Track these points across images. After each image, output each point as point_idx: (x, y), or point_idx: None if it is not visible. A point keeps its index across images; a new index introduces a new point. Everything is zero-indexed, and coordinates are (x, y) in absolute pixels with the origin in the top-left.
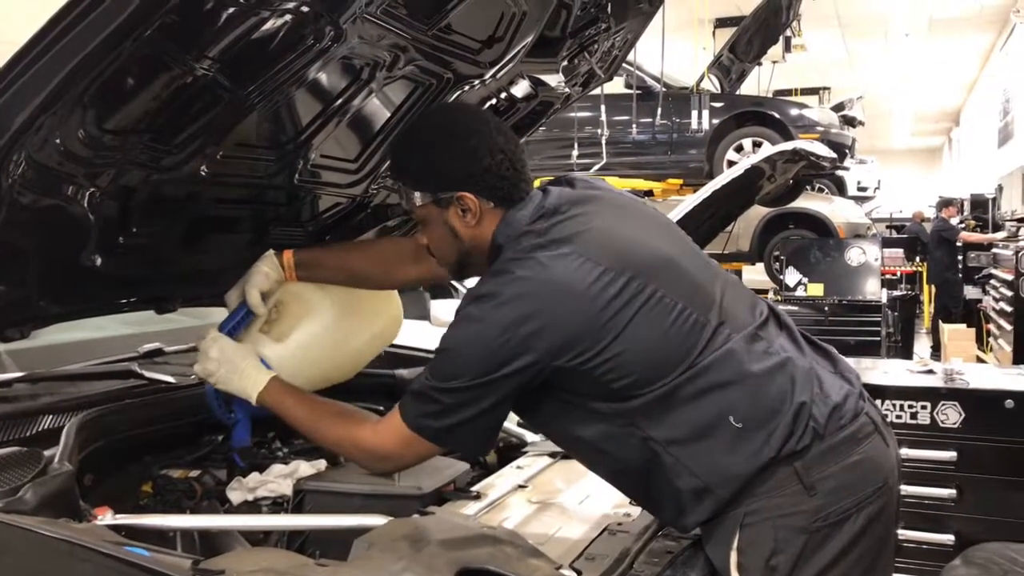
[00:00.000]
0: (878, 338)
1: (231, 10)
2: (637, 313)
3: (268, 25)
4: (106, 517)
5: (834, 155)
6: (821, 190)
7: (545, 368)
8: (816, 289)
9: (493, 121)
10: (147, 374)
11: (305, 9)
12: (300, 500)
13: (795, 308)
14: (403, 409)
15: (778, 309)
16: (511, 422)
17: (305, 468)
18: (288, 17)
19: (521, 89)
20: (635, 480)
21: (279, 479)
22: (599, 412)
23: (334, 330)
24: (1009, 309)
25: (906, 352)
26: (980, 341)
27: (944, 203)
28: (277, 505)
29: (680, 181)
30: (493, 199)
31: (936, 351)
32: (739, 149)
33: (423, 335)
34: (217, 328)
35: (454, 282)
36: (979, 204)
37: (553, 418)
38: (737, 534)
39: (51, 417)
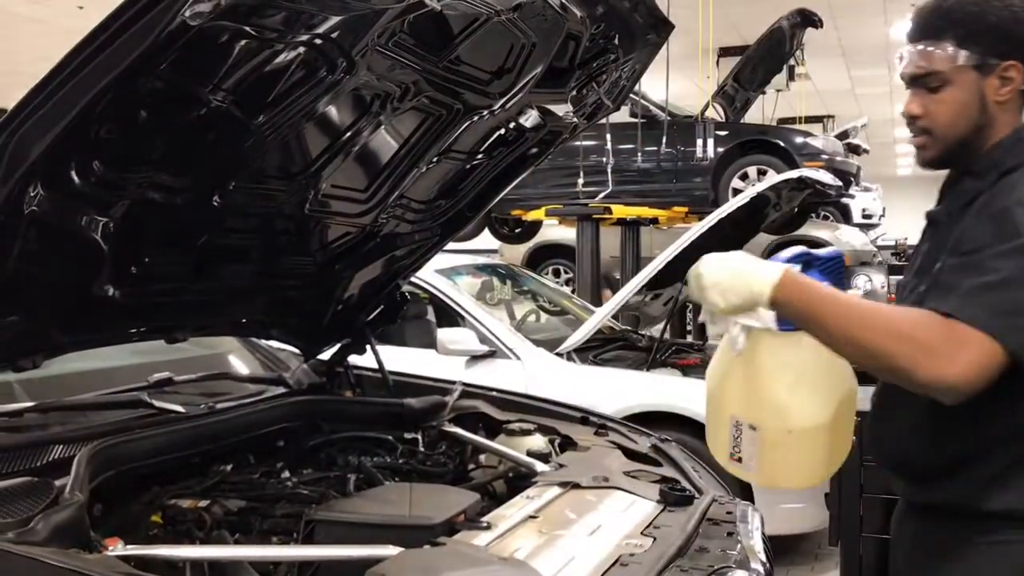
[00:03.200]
0: None
1: (246, 43)
2: None
3: (281, 58)
4: (117, 548)
5: (839, 183)
6: (826, 218)
7: None
8: None
9: None
10: (157, 404)
11: (318, 42)
12: (311, 530)
13: None
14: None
15: None
16: (520, 452)
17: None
18: (301, 50)
19: (530, 119)
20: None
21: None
22: None
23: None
24: None
25: None
26: None
27: None
28: (287, 535)
29: (685, 209)
30: None
31: None
32: (744, 177)
33: (429, 364)
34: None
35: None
36: None
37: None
38: None
39: (61, 447)
